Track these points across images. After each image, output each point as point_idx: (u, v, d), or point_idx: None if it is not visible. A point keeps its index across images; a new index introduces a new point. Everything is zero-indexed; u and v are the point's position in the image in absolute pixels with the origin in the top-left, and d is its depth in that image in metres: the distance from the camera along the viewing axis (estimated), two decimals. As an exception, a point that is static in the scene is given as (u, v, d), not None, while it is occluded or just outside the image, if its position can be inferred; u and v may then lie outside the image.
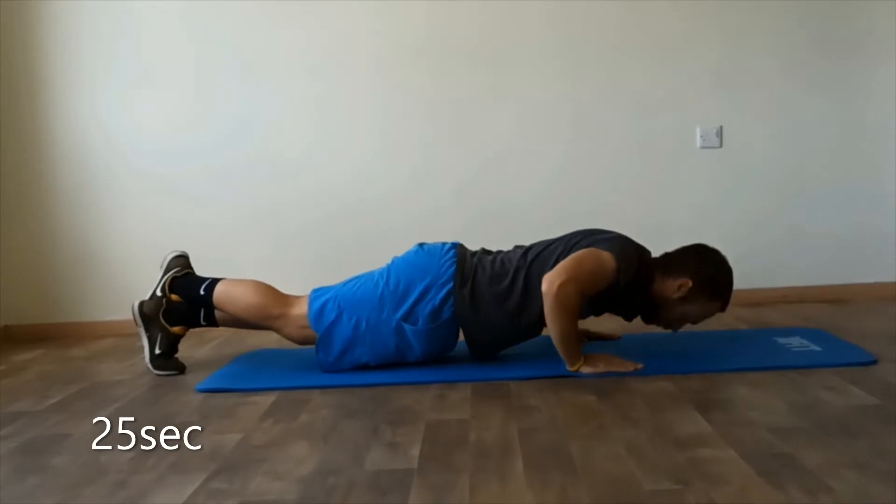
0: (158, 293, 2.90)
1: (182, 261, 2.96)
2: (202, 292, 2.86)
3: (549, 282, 2.48)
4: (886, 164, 3.70)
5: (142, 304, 2.88)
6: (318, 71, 3.71)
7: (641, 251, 2.68)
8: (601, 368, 2.53)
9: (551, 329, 2.52)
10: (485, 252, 2.80)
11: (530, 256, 2.68)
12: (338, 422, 2.21)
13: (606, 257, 2.55)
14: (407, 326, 2.66)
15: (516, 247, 2.80)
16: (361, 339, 2.68)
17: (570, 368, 2.54)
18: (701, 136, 3.68)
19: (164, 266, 2.95)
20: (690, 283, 2.64)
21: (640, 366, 2.55)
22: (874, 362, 2.53)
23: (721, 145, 3.70)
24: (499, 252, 2.79)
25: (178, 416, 2.34)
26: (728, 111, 3.70)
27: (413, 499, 1.65)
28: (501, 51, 3.69)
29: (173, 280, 2.91)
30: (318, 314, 2.71)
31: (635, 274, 2.58)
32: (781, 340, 2.87)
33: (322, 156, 3.74)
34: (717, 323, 3.26)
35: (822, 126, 3.70)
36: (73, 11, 3.68)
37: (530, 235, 2.85)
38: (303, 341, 2.79)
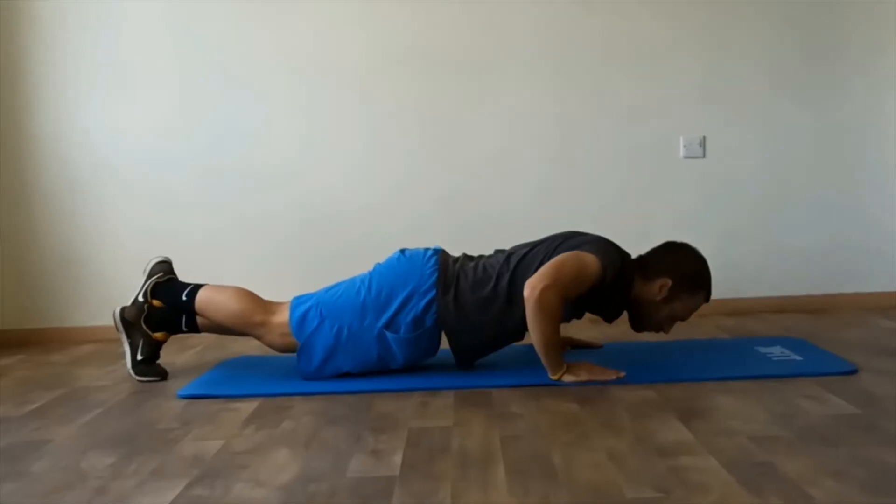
0: (140, 299, 2.88)
1: (165, 266, 2.95)
2: (184, 298, 2.85)
3: (531, 287, 2.48)
4: (867, 175, 3.73)
5: (123, 309, 2.87)
6: (302, 78, 3.71)
7: (622, 253, 2.69)
8: (583, 377, 2.54)
9: (533, 335, 2.51)
10: (467, 258, 2.80)
11: (513, 262, 2.68)
12: (320, 429, 2.20)
13: (590, 259, 2.55)
14: (389, 335, 2.65)
15: (497, 251, 2.80)
16: (343, 348, 2.67)
17: (552, 377, 2.54)
18: (684, 146, 3.70)
19: (147, 271, 2.93)
20: (670, 282, 2.66)
21: (622, 374, 2.56)
22: (854, 372, 2.55)
23: (704, 155, 3.72)
24: (480, 257, 2.79)
25: (159, 422, 2.33)
26: (712, 121, 3.72)
27: (395, 506, 1.65)
28: (487, 59, 3.71)
29: (156, 285, 2.89)
30: (299, 322, 2.70)
31: (619, 273, 2.59)
32: (762, 350, 2.89)
33: (306, 163, 3.74)
34: (699, 332, 3.29)
35: (804, 137, 3.73)
36: (56, 16, 3.66)
37: (515, 243, 2.85)
38: (284, 349, 2.78)
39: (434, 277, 2.67)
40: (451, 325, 2.66)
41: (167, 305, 2.89)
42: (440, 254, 2.76)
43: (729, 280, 3.73)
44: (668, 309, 2.71)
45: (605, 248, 2.61)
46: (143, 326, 2.86)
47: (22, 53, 3.68)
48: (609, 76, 3.71)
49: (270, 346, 2.81)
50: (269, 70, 3.72)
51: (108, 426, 2.32)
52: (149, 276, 2.91)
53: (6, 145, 3.70)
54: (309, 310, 2.71)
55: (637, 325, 2.79)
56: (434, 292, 2.65)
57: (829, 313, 3.64)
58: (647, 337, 3.23)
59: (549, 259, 2.60)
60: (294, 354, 2.74)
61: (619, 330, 3.38)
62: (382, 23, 3.69)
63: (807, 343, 2.97)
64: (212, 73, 3.72)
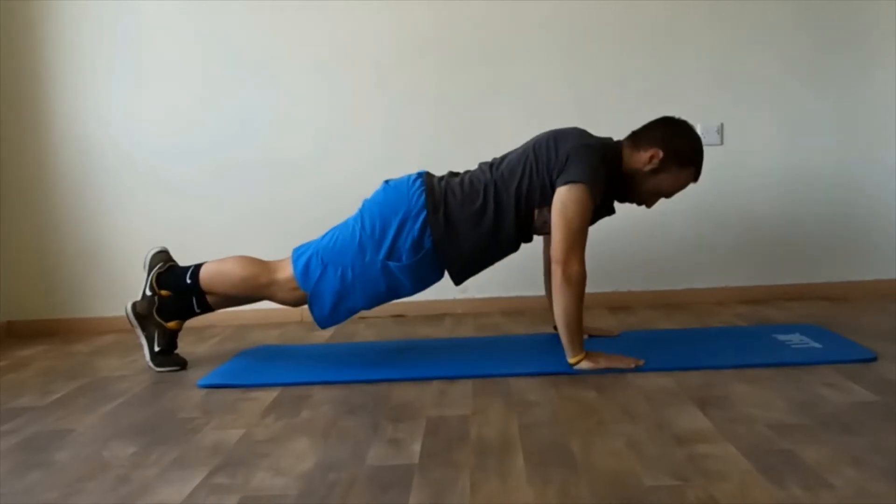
0: (148, 292, 2.91)
1: (163, 255, 2.97)
2: (188, 280, 2.87)
3: (558, 262, 2.49)
4: (887, 161, 3.70)
5: (134, 304, 2.90)
6: (321, 69, 3.71)
7: (604, 149, 2.66)
8: (602, 364, 2.54)
9: (557, 307, 2.52)
10: (452, 175, 2.79)
11: (496, 172, 2.68)
12: (339, 418, 2.22)
13: (583, 193, 2.53)
14: (392, 264, 2.66)
15: (481, 164, 2.80)
16: (351, 288, 2.69)
17: (570, 360, 2.55)
18: (702, 133, 3.67)
19: (147, 264, 2.95)
20: (661, 154, 2.64)
21: (640, 362, 2.56)
22: (874, 359, 2.54)
23: (722, 142, 3.70)
24: (466, 172, 2.78)
25: (180, 411, 2.35)
26: (729, 108, 3.70)
27: (414, 495, 1.66)
28: (504, 49, 3.69)
29: (158, 276, 2.91)
30: (303, 273, 2.72)
31: (606, 180, 2.59)
32: (781, 337, 2.87)
33: (325, 154, 3.74)
34: (717, 320, 3.28)
35: (822, 123, 3.70)
36: (76, 8, 3.68)
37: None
38: (297, 302, 2.80)
39: (423, 199, 2.67)
40: (446, 243, 2.66)
41: (174, 292, 2.91)
42: (425, 175, 2.76)
43: (747, 267, 3.72)
44: (655, 181, 2.69)
45: (589, 166, 2.57)
46: (156, 317, 2.88)
47: (41, 47, 3.70)
48: (625, 64, 3.69)
49: (283, 303, 2.83)
50: (289, 61, 3.72)
51: (130, 416, 2.34)
52: (150, 269, 2.93)
53: (27, 140, 3.73)
54: (310, 259, 2.73)
55: (621, 196, 2.77)
56: (425, 213, 2.65)
57: (847, 300, 3.61)
58: (665, 325, 3.23)
59: (537, 171, 2.61)
60: (313, 344, 2.76)
61: (637, 319, 3.38)
62: (401, 14, 3.68)
63: (825, 330, 2.95)
64: (231, 65, 3.72)
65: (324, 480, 1.76)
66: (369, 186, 3.68)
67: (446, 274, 2.76)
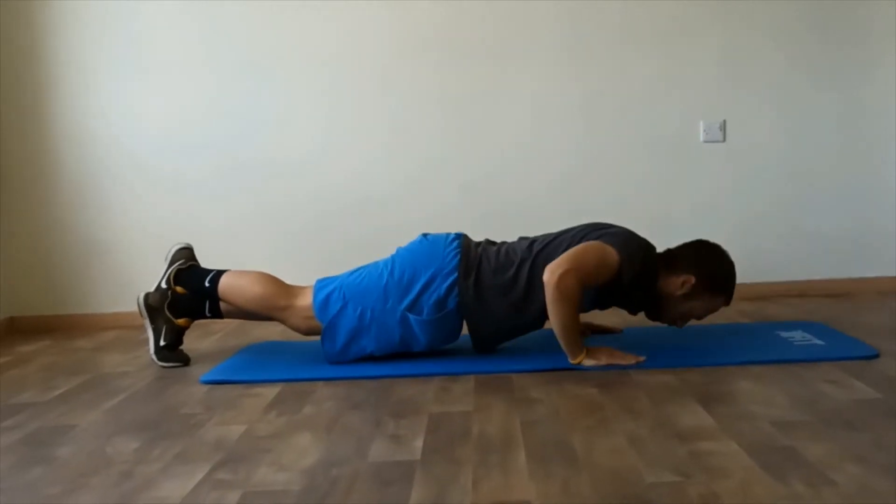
0: (164, 285, 2.90)
1: (186, 252, 2.97)
2: (207, 284, 2.87)
3: (551, 272, 2.49)
4: (889, 159, 3.69)
5: (147, 295, 2.89)
6: (324, 67, 3.71)
7: (647, 248, 2.68)
8: (603, 361, 2.54)
9: (552, 319, 2.52)
10: (489, 243, 2.80)
11: (536, 248, 2.68)
12: (341, 414, 2.22)
13: (610, 252, 2.55)
14: (412, 317, 2.66)
15: (521, 238, 2.80)
16: (367, 330, 2.69)
17: (572, 361, 2.55)
18: (704, 131, 3.67)
19: (169, 258, 2.95)
20: (694, 280, 2.65)
21: (641, 359, 2.56)
22: (876, 356, 2.54)
23: (724, 139, 3.70)
24: (503, 243, 2.79)
25: (182, 407, 2.36)
26: (732, 105, 3.69)
27: (416, 491, 1.66)
28: (508, 47, 3.69)
29: (178, 272, 2.92)
30: (323, 304, 2.72)
31: (640, 269, 2.58)
32: (784, 334, 2.87)
33: (329, 152, 3.74)
34: (720, 317, 3.26)
35: (825, 120, 3.70)
36: (78, 6, 3.68)
37: (537, 231, 2.85)
38: (308, 332, 2.80)
39: (456, 260, 2.67)
40: (472, 309, 2.66)
41: (190, 292, 2.91)
42: (462, 238, 2.77)
43: (750, 264, 3.71)
44: (687, 306, 2.71)
45: (627, 243, 2.60)
46: (167, 312, 2.89)
47: (43, 44, 3.70)
48: (629, 61, 3.68)
49: (294, 329, 2.83)
50: (292, 59, 3.72)
51: (133, 411, 2.35)
52: (171, 263, 2.94)
53: (29, 135, 3.73)
54: (332, 292, 2.72)
55: (652, 314, 2.79)
56: (456, 275, 2.65)
57: (850, 297, 3.61)
58: (668, 322, 3.23)
59: (572, 247, 2.60)
60: (317, 338, 2.76)
61: (640, 315, 3.37)
62: (404, 12, 3.68)
63: (828, 327, 2.95)
64: (234, 63, 3.72)
65: (326, 476, 1.76)
66: (371, 186, 3.72)
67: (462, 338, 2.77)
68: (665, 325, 2.82)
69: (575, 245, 2.61)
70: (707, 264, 2.69)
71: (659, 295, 2.70)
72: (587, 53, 3.69)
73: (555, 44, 3.69)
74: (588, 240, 2.62)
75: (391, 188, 3.73)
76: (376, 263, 2.79)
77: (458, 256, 2.68)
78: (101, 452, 1.99)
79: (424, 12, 3.68)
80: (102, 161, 3.75)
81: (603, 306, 2.76)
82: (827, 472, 1.63)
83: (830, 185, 3.71)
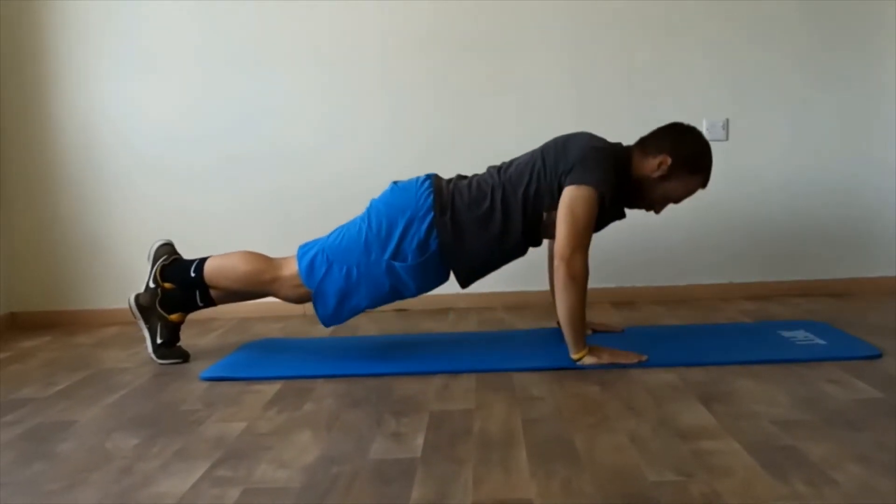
0: (152, 284, 2.90)
1: (168, 248, 2.97)
2: (193, 274, 2.87)
3: (560, 258, 2.49)
4: (892, 157, 3.68)
5: (137, 296, 2.90)
6: (323, 60, 3.71)
7: (614, 154, 2.65)
8: (605, 359, 2.53)
9: (560, 304, 2.52)
10: (460, 177, 2.79)
11: (504, 175, 2.68)
12: (342, 411, 2.22)
13: (591, 195, 2.53)
14: (397, 264, 2.66)
15: (489, 167, 2.79)
16: (356, 287, 2.69)
17: (573, 356, 2.54)
18: (707, 129, 3.66)
19: (152, 256, 2.95)
20: (670, 160, 2.63)
21: (643, 357, 2.55)
22: (878, 356, 2.53)
23: (727, 138, 3.69)
24: (474, 175, 2.78)
25: (182, 404, 2.35)
26: (735, 104, 3.68)
27: (416, 488, 1.65)
28: (507, 41, 3.68)
29: (162, 268, 2.91)
30: (308, 270, 2.72)
31: (615, 181, 2.58)
32: (786, 334, 2.87)
33: (327, 145, 3.74)
34: (722, 316, 3.27)
35: (827, 119, 3.69)
36: (79, 1, 3.69)
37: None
38: (300, 300, 2.80)
39: (430, 200, 2.67)
40: (452, 245, 2.66)
41: (178, 285, 2.91)
42: (433, 178, 2.76)
43: (752, 263, 3.71)
44: (664, 188, 2.68)
45: (596, 167, 2.56)
46: (159, 310, 2.88)
47: (45, 39, 3.70)
48: (630, 59, 3.67)
49: (286, 299, 2.83)
50: (292, 53, 3.71)
51: (133, 408, 2.35)
52: (154, 261, 2.93)
53: (30, 131, 3.73)
54: (315, 256, 2.73)
55: (629, 202, 2.76)
56: (432, 214, 2.65)
57: (852, 297, 3.60)
58: (669, 320, 3.22)
59: (545, 175, 2.61)
60: (316, 337, 2.76)
61: (641, 314, 3.38)
62: (403, 7, 3.67)
63: (830, 327, 2.94)
64: (233, 56, 3.72)
65: (326, 473, 1.76)
66: (370, 178, 3.69)
67: (451, 276, 2.75)
68: (645, 210, 2.78)
69: (548, 175, 2.60)
70: (683, 144, 2.67)
71: (635, 180, 2.68)
72: (587, 51, 3.68)
73: (554, 41, 3.68)
74: (566, 181, 2.57)
75: (389, 181, 3.71)
76: (352, 221, 2.79)
77: (432, 196, 2.68)
78: (101, 448, 1.99)
79: (424, 8, 3.67)
80: (103, 156, 3.74)
81: (596, 230, 2.72)
82: (828, 472, 1.63)
83: (833, 184, 3.70)
